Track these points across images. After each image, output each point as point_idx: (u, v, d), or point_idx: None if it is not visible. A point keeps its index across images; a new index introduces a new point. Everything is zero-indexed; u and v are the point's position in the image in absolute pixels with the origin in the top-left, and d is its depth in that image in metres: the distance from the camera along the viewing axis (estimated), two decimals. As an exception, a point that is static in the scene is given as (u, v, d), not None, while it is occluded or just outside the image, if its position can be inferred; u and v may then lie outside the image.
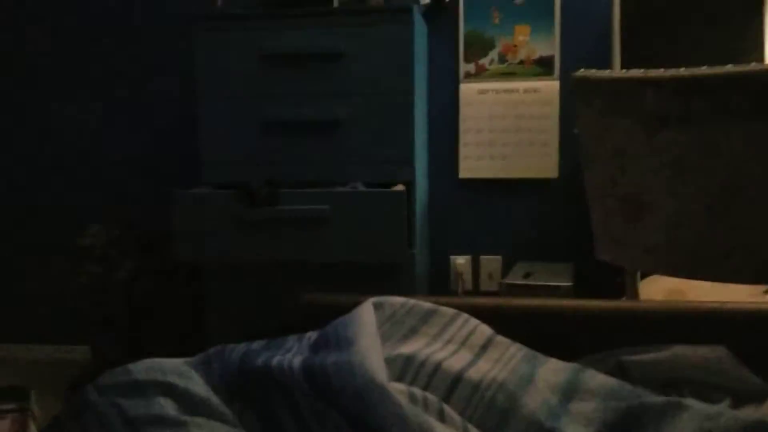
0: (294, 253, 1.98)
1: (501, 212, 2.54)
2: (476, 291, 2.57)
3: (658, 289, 1.71)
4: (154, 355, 0.92)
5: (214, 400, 0.81)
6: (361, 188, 2.02)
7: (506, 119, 2.49)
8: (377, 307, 0.98)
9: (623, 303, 1.12)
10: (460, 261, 2.56)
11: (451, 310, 1.01)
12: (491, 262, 2.56)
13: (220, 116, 2.14)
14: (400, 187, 1.99)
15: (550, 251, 2.51)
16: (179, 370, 0.86)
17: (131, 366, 0.85)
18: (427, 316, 0.98)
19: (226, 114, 2.14)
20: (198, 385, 0.83)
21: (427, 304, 1.02)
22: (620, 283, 2.12)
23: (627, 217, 1.40)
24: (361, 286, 2.08)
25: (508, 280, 2.19)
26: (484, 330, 0.98)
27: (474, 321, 1.00)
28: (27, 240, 2.83)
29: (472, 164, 2.53)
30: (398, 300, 1.02)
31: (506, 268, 2.52)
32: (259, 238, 1.99)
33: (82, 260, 2.39)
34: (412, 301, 1.02)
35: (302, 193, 1.97)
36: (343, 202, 1.94)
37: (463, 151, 2.53)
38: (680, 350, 1.02)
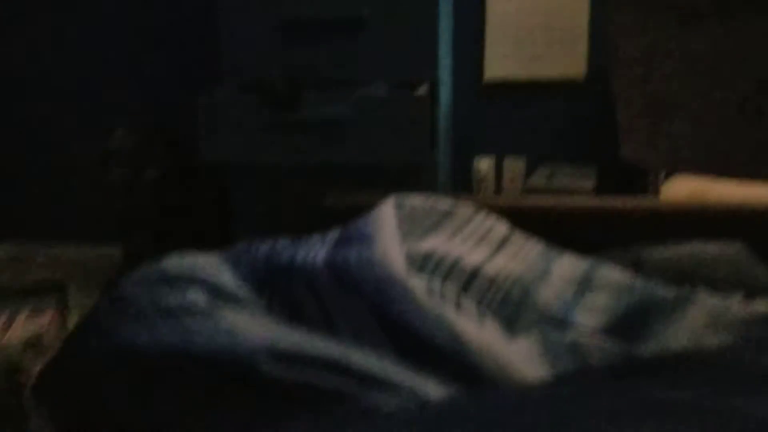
0: (317, 155, 1.99)
1: (526, 114, 2.51)
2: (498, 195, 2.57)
3: (681, 190, 1.71)
4: (184, 251, 0.95)
5: (243, 291, 0.85)
6: (384, 89, 2.00)
7: (535, 15, 2.41)
8: (397, 205, 1.00)
9: (642, 201, 1.13)
10: (483, 165, 2.54)
11: (470, 209, 1.03)
12: (515, 164, 2.54)
13: (241, 15, 2.11)
14: (423, 91, 1.96)
15: (573, 153, 2.48)
16: (209, 263, 0.89)
17: (163, 261, 0.89)
18: (446, 214, 1.00)
19: (247, 12, 2.10)
20: (227, 278, 0.87)
21: (446, 203, 1.03)
22: (643, 185, 2.11)
23: (655, 115, 1.38)
24: (384, 188, 2.09)
25: (531, 185, 2.18)
26: (502, 227, 1.00)
27: (492, 218, 1.02)
28: (54, 138, 2.86)
29: (498, 63, 2.47)
30: (418, 199, 1.03)
31: (530, 170, 2.51)
32: (283, 141, 2.00)
33: (110, 162, 2.43)
34: (432, 200, 1.04)
35: (325, 95, 1.95)
36: (367, 105, 1.93)
37: (489, 50, 2.47)
38: (697, 246, 1.04)
